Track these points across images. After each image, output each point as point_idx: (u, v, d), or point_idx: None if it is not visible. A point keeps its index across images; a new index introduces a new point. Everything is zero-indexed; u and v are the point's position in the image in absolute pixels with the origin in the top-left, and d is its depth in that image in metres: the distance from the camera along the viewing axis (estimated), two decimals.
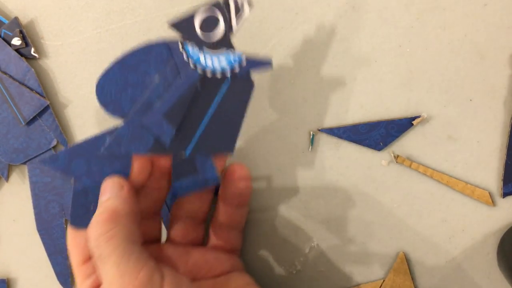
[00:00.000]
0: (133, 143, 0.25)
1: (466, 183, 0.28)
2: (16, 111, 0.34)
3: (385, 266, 0.30)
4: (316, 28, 0.29)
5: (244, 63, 0.24)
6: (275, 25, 0.30)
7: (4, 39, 0.33)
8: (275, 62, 0.30)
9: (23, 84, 0.33)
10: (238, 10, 0.23)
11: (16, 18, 0.33)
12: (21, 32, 0.33)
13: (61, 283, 0.36)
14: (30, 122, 0.34)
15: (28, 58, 0.34)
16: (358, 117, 0.29)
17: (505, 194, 0.27)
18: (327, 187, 0.30)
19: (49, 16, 0.33)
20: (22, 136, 0.34)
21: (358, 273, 0.30)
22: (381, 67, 0.28)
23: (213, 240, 0.29)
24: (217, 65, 0.24)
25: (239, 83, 0.25)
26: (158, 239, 0.29)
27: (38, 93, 0.33)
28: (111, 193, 0.24)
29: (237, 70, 0.24)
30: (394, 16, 0.28)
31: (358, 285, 0.30)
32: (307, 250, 0.31)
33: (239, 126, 0.25)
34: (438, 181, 0.28)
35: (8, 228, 0.37)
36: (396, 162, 0.29)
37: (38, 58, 0.34)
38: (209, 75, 0.24)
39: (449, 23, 0.27)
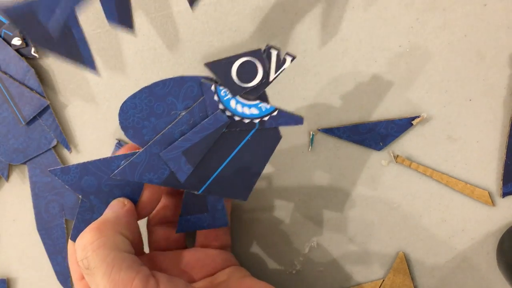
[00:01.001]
0: (148, 172, 0.24)
1: (466, 183, 0.28)
2: (16, 111, 0.34)
3: (385, 266, 0.30)
4: (315, 28, 0.29)
5: (275, 115, 0.24)
6: (275, 25, 0.30)
7: (4, 39, 0.33)
8: None
9: (23, 84, 0.33)
10: (279, 62, 0.22)
11: None
12: (21, 32, 0.33)
13: (61, 283, 0.36)
14: (30, 122, 0.34)
15: (28, 58, 0.34)
16: (358, 117, 0.29)
17: (504, 194, 0.27)
18: (327, 187, 0.30)
19: None
20: (22, 136, 0.34)
21: (357, 273, 0.30)
22: (381, 67, 0.28)
23: (201, 240, 0.29)
24: (247, 113, 0.24)
25: (266, 133, 0.24)
26: (142, 252, 0.29)
27: (38, 93, 0.33)
28: (110, 210, 0.24)
29: (266, 119, 0.24)
30: (394, 16, 0.28)
31: (358, 285, 0.30)
32: (307, 250, 0.31)
33: (258, 175, 0.25)
34: (437, 181, 0.28)
35: (8, 228, 0.37)
36: (396, 162, 0.29)
37: (38, 58, 0.34)
38: (236, 118, 0.24)
39: (449, 23, 0.27)
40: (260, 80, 0.23)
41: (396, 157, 0.29)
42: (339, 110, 0.29)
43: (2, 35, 0.33)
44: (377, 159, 0.29)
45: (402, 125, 0.28)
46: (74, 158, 0.34)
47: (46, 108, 0.33)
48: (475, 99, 0.27)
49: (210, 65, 0.23)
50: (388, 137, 0.29)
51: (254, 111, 0.23)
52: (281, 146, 0.31)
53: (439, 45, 0.27)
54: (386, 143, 0.29)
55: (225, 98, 0.23)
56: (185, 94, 0.23)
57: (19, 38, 0.33)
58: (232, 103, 0.23)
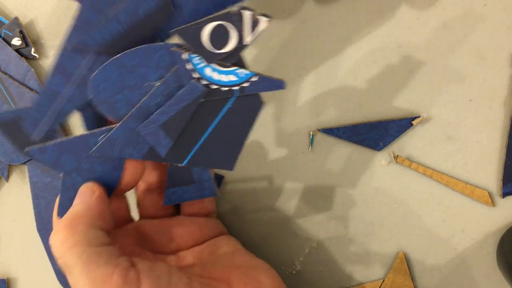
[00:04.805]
0: (127, 147, 0.23)
1: (466, 183, 0.28)
2: None
3: (385, 266, 0.30)
4: (316, 28, 0.29)
5: (255, 81, 0.22)
6: (275, 25, 0.30)
7: (4, 39, 0.33)
8: (275, 62, 0.30)
9: (23, 84, 0.33)
10: (253, 24, 0.20)
11: (16, 18, 0.33)
12: (21, 32, 0.33)
13: (61, 283, 0.36)
14: None
15: (28, 58, 0.34)
16: (358, 117, 0.29)
17: (504, 194, 0.27)
18: (327, 187, 0.30)
19: (49, 16, 0.33)
20: None
21: (358, 273, 0.30)
22: (381, 67, 0.28)
23: (187, 208, 0.29)
24: (224, 80, 0.22)
25: (247, 100, 0.23)
26: (129, 219, 0.28)
27: (38, 93, 0.33)
28: (80, 199, 0.24)
29: (245, 85, 0.22)
30: (394, 16, 0.28)
31: (358, 285, 0.30)
32: (307, 250, 0.31)
33: (242, 144, 0.24)
34: (437, 181, 0.28)
35: (8, 228, 0.37)
36: (396, 162, 0.29)
37: (38, 58, 0.34)
38: (214, 87, 0.22)
39: (449, 23, 0.27)
40: (235, 45, 0.21)
41: (396, 157, 0.29)
42: (339, 110, 0.29)
43: (2, 35, 0.33)
44: (377, 159, 0.29)
45: (402, 125, 0.28)
46: None
47: None
48: (475, 99, 0.27)
49: (180, 32, 0.21)
50: (388, 137, 0.29)
51: (232, 77, 0.22)
52: (281, 146, 0.31)
53: (439, 45, 0.27)
54: (386, 143, 0.29)
55: (199, 66, 0.22)
56: (158, 64, 0.22)
57: (19, 38, 0.33)
58: (208, 71, 0.22)
